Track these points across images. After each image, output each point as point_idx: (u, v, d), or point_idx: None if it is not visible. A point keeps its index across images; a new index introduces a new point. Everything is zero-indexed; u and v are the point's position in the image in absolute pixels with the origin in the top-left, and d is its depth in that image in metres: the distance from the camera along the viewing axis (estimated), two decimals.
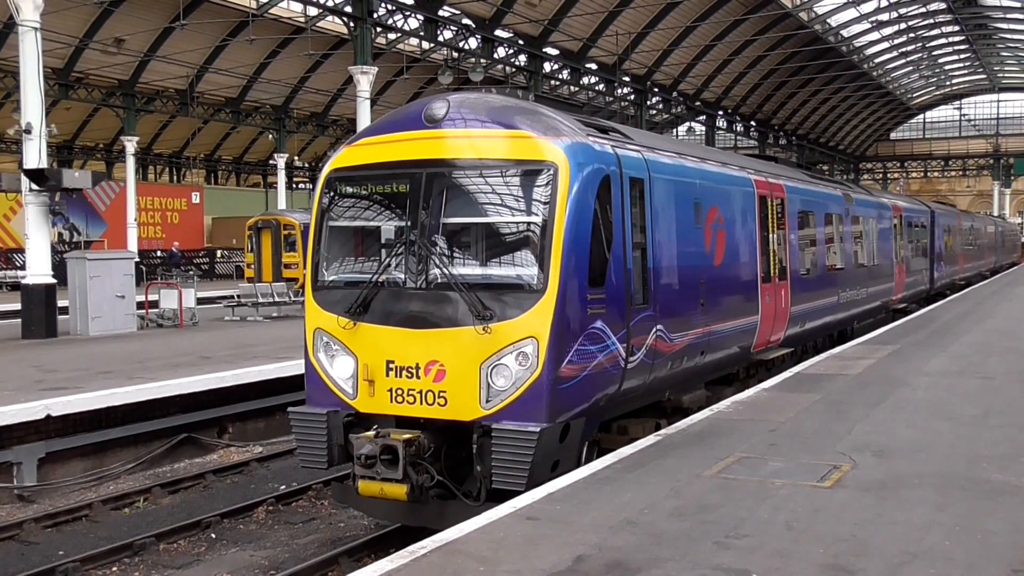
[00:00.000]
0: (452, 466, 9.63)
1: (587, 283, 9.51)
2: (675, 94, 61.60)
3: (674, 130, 72.16)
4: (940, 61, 79.30)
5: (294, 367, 16.26)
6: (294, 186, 76.71)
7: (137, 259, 33.49)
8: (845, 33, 61.93)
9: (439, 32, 42.09)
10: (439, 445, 9.54)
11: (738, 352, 14.16)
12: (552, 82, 50.89)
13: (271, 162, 67.80)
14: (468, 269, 9.60)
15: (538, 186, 9.43)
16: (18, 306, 23.29)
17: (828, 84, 71.00)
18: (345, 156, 10.42)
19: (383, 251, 10.21)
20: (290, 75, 53.67)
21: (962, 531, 7.02)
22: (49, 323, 21.90)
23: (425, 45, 47.45)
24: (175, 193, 64.87)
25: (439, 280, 9.54)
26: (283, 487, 13.49)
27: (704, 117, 67.79)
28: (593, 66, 53.03)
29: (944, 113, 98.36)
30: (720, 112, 68.35)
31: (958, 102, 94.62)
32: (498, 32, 45.39)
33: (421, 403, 9.45)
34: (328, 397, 10.02)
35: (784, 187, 16.27)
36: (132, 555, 10.77)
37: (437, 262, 9.57)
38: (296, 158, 73.07)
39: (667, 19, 50.32)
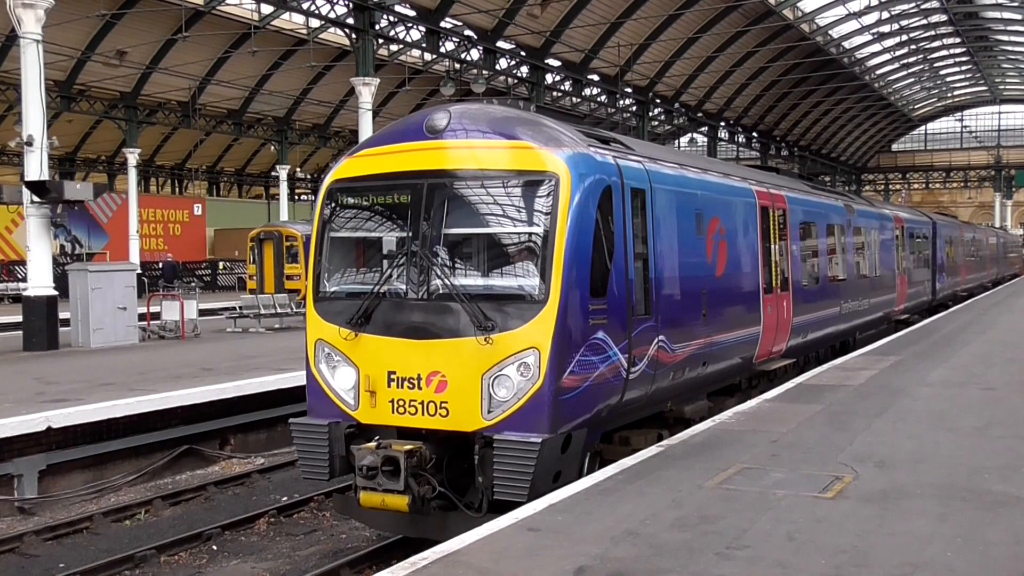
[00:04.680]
0: (454, 477, 9.62)
1: (589, 293, 9.51)
2: (677, 105, 61.68)
3: (676, 141, 72.23)
4: (941, 72, 79.41)
5: (296, 378, 16.25)
6: (296, 197, 76.85)
7: (139, 271, 33.51)
8: (847, 44, 62.06)
9: (441, 44, 42.19)
10: (441, 456, 9.53)
11: (740, 363, 14.15)
12: (554, 93, 50.97)
13: (273, 174, 67.88)
14: (469, 280, 9.61)
15: (539, 196, 9.44)
16: (19, 318, 23.29)
17: (830, 95, 71.11)
18: (346, 167, 10.43)
19: (384, 262, 10.21)
20: (292, 87, 53.77)
21: (963, 542, 7.01)
22: (50, 335, 21.89)
23: (427, 57, 47.57)
24: (177, 205, 64.96)
25: (440, 291, 9.55)
26: (285, 499, 13.47)
27: (706, 128, 67.85)
28: (595, 77, 53.12)
29: (945, 125, 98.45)
30: (722, 123, 68.45)
31: (959, 114, 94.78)
32: (500, 43, 45.49)
33: (423, 414, 9.45)
34: (330, 408, 10.01)
35: (786, 198, 16.28)
36: (133, 567, 10.75)
37: (438, 273, 9.57)
38: (298, 170, 73.21)
39: (669, 31, 50.43)
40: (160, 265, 52.30)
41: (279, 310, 28.48)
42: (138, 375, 17.11)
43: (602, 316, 9.75)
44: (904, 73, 75.46)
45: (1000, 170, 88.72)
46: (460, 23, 43.62)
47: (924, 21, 60.86)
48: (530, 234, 9.46)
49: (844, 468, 9.21)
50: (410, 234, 9.79)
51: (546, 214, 9.36)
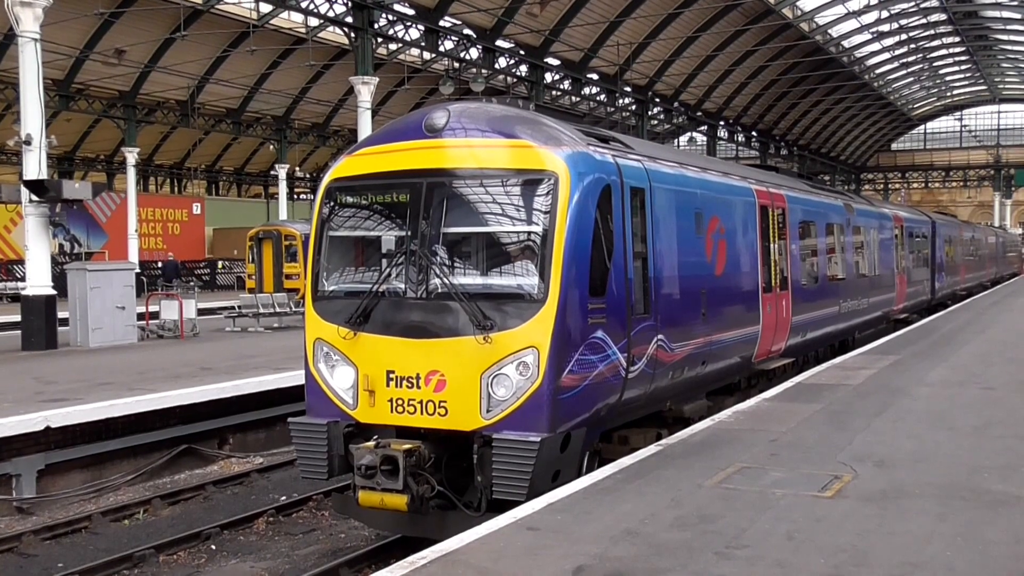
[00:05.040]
0: (452, 476, 9.61)
1: (588, 293, 9.50)
2: (676, 104, 61.67)
3: (675, 140, 72.22)
4: (941, 72, 79.41)
5: (294, 378, 16.24)
6: (295, 197, 76.81)
7: (138, 270, 33.48)
8: (846, 44, 62.08)
9: (440, 42, 42.16)
10: (439, 455, 9.52)
11: (739, 362, 14.14)
12: (553, 92, 50.96)
13: (272, 173, 67.88)
14: (468, 279, 9.60)
15: (539, 195, 9.43)
16: (18, 318, 23.27)
17: (829, 94, 71.12)
18: (345, 166, 10.42)
19: (383, 261, 10.19)
20: (291, 86, 53.75)
21: (963, 541, 6.99)
22: (49, 334, 21.86)
23: (426, 55, 47.55)
24: (176, 204, 64.94)
25: (439, 290, 9.53)
26: (283, 498, 13.45)
27: (705, 127, 67.85)
28: (594, 76, 53.10)
29: (945, 124, 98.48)
30: (721, 122, 68.42)
31: (959, 113, 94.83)
32: (499, 42, 45.46)
33: (421, 413, 9.43)
34: (328, 407, 10.00)
35: (785, 197, 16.27)
36: (131, 567, 10.74)
37: (437, 272, 9.55)
38: (297, 169, 73.16)
39: (668, 29, 50.42)
40: (160, 264, 52.32)
41: (278, 309, 28.46)
42: (137, 375, 17.09)
43: (601, 315, 9.73)
44: (903, 72, 75.46)
45: (999, 169, 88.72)
46: (459, 22, 43.60)
47: (923, 20, 60.86)
48: (529, 233, 9.45)
49: (843, 467, 9.20)
50: (409, 233, 9.78)
51: (545, 213, 9.35)
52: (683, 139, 71.13)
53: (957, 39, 66.45)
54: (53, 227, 23.28)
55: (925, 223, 31.02)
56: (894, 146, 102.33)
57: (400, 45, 43.76)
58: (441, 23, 41.46)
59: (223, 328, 27.68)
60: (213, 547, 11.45)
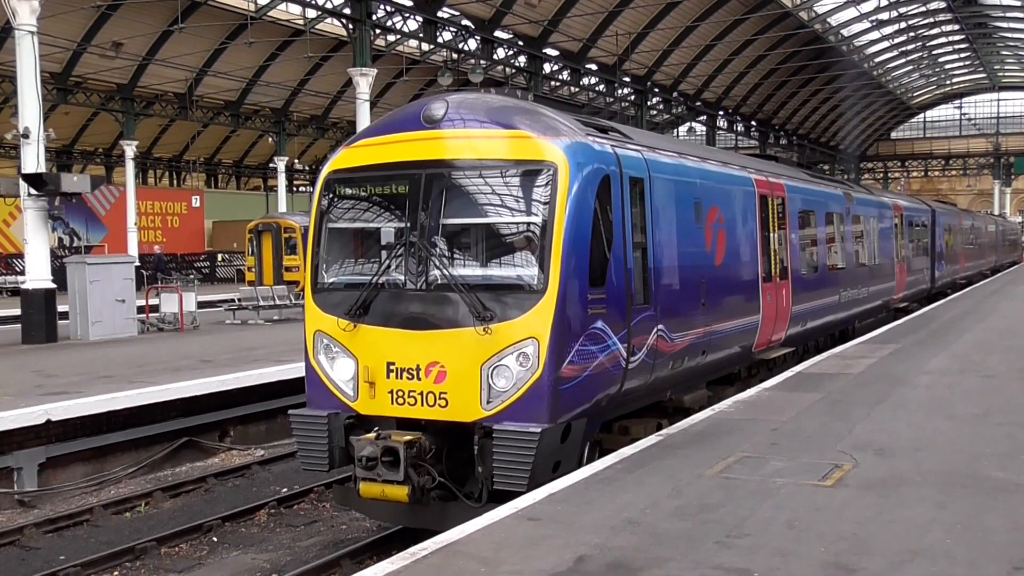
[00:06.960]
0: (453, 467, 9.61)
1: (587, 283, 9.49)
2: (675, 94, 61.59)
3: (675, 130, 72.16)
4: (940, 60, 79.29)
5: (295, 370, 16.26)
6: (294, 189, 76.78)
7: (137, 263, 33.49)
8: (845, 32, 61.94)
9: (438, 33, 42.09)
10: (440, 446, 9.52)
11: (739, 351, 14.14)
12: (552, 83, 50.89)
13: (271, 165, 67.75)
14: (468, 270, 9.58)
15: (538, 186, 9.41)
16: (18, 311, 23.29)
17: (829, 83, 71.03)
18: (344, 157, 10.40)
19: (383, 252, 10.18)
20: (290, 78, 53.67)
21: (963, 529, 7.00)
22: (49, 328, 21.88)
23: (424, 47, 47.47)
24: (175, 197, 64.89)
25: (439, 281, 9.52)
26: (285, 490, 13.48)
27: (705, 117, 67.77)
28: (593, 67, 53.01)
29: (944, 112, 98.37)
30: (721, 112, 68.34)
31: (958, 101, 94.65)
32: (498, 33, 45.38)
33: (422, 404, 9.44)
34: (329, 399, 10.00)
35: (785, 186, 16.25)
36: (133, 559, 10.76)
37: (437, 263, 9.54)
38: (296, 161, 73.04)
39: (667, 19, 50.30)
40: (153, 258, 52.30)
41: (278, 302, 28.49)
42: (137, 367, 17.10)
43: (601, 306, 9.73)
44: (903, 61, 75.35)
45: (999, 157, 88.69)
46: (457, 12, 43.50)
47: (922, 8, 60.75)
48: (528, 224, 9.44)
49: (844, 456, 9.21)
50: (408, 224, 9.76)
51: (544, 203, 9.33)
52: (682, 129, 71.12)
53: (956, 27, 66.33)
54: (52, 221, 23.24)
55: (925, 212, 31.00)
56: (894, 135, 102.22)
57: (398, 36, 43.65)
58: (439, 14, 41.37)
59: (223, 321, 27.71)
60: (215, 539, 11.47)
